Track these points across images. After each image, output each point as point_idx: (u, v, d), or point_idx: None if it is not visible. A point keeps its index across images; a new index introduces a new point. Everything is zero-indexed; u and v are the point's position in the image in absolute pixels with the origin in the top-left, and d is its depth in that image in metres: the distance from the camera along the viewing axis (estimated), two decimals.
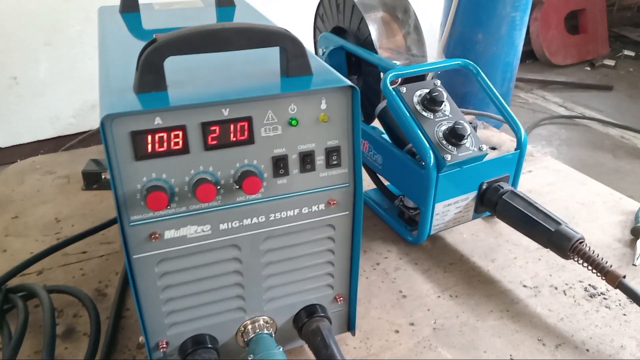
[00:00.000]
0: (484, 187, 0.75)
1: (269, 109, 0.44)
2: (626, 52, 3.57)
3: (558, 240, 0.65)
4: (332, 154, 0.47)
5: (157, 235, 0.44)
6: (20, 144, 1.51)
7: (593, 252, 0.63)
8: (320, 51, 0.98)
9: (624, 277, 0.60)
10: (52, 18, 1.42)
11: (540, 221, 0.68)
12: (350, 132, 0.47)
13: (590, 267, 0.63)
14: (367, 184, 0.92)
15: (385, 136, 0.84)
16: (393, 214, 0.83)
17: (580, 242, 0.64)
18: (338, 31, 0.93)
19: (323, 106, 0.45)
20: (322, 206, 0.49)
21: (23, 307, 0.60)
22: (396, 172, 0.77)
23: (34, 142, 1.55)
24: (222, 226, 0.46)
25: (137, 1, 0.69)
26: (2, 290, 0.63)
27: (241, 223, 0.46)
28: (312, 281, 0.53)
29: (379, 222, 0.84)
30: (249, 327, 0.52)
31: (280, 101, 0.44)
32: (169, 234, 0.44)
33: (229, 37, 0.42)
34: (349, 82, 0.45)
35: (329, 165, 0.47)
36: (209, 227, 0.45)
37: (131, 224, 0.43)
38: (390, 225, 0.82)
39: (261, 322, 0.53)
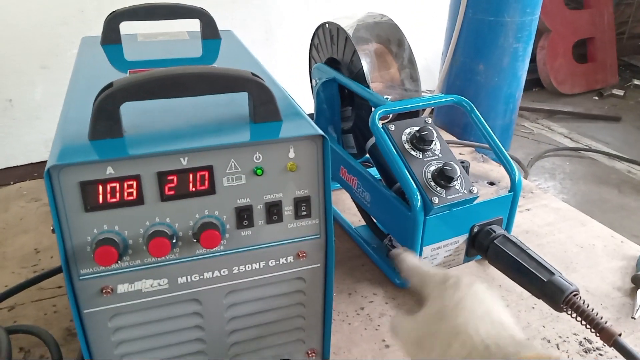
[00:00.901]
0: (475, 230, 0.71)
1: (231, 158, 0.41)
2: (636, 82, 3.52)
3: (550, 292, 0.61)
4: (301, 204, 0.44)
5: (109, 290, 0.41)
6: (14, 167, 1.51)
7: (587, 306, 0.59)
8: (314, 82, 0.96)
9: (620, 335, 0.57)
10: (48, 41, 1.42)
11: (532, 270, 0.64)
12: (320, 181, 0.44)
13: (584, 322, 0.59)
14: (358, 219, 0.89)
15: (375, 171, 0.82)
16: (382, 253, 0.80)
17: (575, 295, 0.60)
18: (332, 62, 0.91)
19: (291, 155, 0.43)
20: (290, 258, 0.46)
21: None
22: (383, 211, 0.75)
23: (28, 164, 1.55)
24: (181, 280, 0.43)
25: (118, 33, 0.67)
26: None
27: (201, 276, 0.44)
28: (281, 336, 0.50)
29: (368, 261, 0.81)
30: None
31: (243, 150, 0.41)
32: (122, 288, 0.42)
33: (188, 82, 0.40)
34: (319, 131, 0.42)
35: (298, 216, 0.45)
36: (166, 281, 0.43)
37: (81, 277, 0.40)
38: (378, 266, 0.79)
39: None
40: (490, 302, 0.42)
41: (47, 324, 0.66)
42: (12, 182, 1.05)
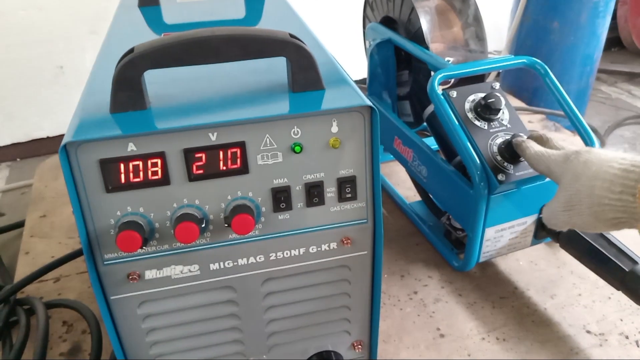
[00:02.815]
0: None
1: (266, 133, 0.36)
2: None
3: (633, 283, 0.54)
4: (345, 185, 0.39)
5: (135, 276, 0.38)
6: None
7: None
8: (367, 43, 0.89)
9: None
10: (97, 6, 1.41)
11: (612, 258, 0.56)
12: (368, 159, 0.39)
13: None
14: (414, 193, 0.83)
15: (433, 142, 0.75)
16: (439, 232, 0.74)
17: None
18: (388, 21, 0.84)
19: (334, 129, 0.37)
20: (334, 245, 0.41)
21: (25, 323, 0.57)
22: (441, 188, 0.68)
23: None
24: (213, 266, 0.39)
25: None
26: (10, 301, 0.61)
27: (235, 263, 0.40)
28: (324, 327, 0.46)
29: (422, 240, 0.75)
30: None
31: (280, 124, 0.36)
32: (150, 274, 0.38)
33: (218, 46, 0.34)
34: (367, 102, 0.37)
35: (341, 198, 0.39)
36: (197, 268, 0.39)
37: (105, 262, 0.37)
38: (434, 246, 0.73)
39: None
40: (614, 153, 0.44)
41: (91, 297, 0.66)
42: None
